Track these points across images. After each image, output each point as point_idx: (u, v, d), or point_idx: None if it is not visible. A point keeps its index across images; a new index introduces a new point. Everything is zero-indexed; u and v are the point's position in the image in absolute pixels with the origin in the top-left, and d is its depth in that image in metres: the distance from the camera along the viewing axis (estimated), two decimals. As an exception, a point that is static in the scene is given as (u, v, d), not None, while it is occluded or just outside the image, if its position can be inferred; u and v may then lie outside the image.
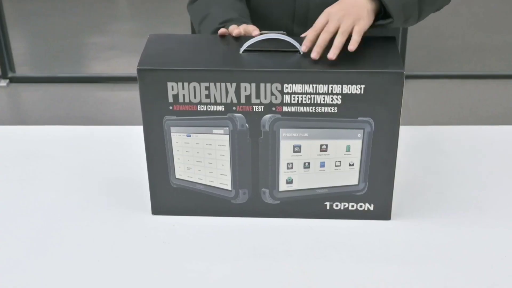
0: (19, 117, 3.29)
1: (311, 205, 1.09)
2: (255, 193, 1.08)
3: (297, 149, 1.04)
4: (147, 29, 4.06)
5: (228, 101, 1.00)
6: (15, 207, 1.15)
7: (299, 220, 1.09)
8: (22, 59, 3.76)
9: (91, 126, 1.45)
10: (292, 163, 1.05)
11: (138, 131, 1.30)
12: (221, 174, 1.07)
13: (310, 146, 1.04)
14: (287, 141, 1.03)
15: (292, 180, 1.07)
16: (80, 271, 0.99)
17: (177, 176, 1.08)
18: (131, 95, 3.30)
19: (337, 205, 1.09)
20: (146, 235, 1.07)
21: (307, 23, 1.25)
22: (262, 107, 1.01)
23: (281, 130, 1.02)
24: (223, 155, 1.05)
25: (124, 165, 1.27)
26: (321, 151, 1.04)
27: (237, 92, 1.00)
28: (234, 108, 1.01)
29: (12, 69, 3.62)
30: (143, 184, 1.13)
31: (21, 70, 3.64)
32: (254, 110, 1.01)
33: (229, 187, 1.08)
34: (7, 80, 3.55)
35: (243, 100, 1.00)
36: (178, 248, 1.03)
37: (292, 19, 1.28)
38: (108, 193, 1.18)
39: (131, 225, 1.09)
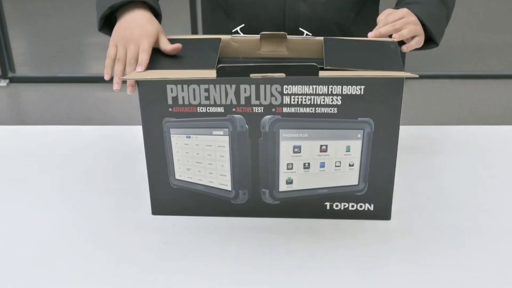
0: (19, 117, 3.29)
1: (311, 205, 1.09)
2: (255, 193, 1.08)
3: (297, 149, 1.04)
4: (147, 29, 4.05)
5: (228, 102, 1.00)
6: (14, 207, 1.15)
7: (299, 220, 1.09)
8: (22, 59, 3.76)
9: (91, 126, 1.45)
10: (292, 164, 1.05)
11: (138, 131, 1.30)
12: (221, 175, 1.07)
13: (310, 146, 1.04)
14: (287, 141, 1.03)
15: (292, 180, 1.07)
16: (80, 271, 0.99)
17: (177, 177, 1.08)
18: (131, 95, 3.31)
19: (337, 205, 1.09)
20: (146, 235, 1.07)
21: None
22: (262, 108, 1.01)
23: (281, 131, 1.02)
24: (223, 156, 1.05)
25: (124, 165, 1.27)
26: (321, 151, 1.04)
27: (237, 93, 1.00)
28: (233, 109, 1.01)
29: (12, 69, 3.62)
30: (143, 184, 1.13)
31: (21, 70, 3.65)
32: (254, 111, 1.01)
33: (229, 188, 1.08)
34: (7, 80, 3.56)
35: (242, 102, 1.00)
36: (178, 248, 1.03)
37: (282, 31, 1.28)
38: (108, 193, 1.18)
39: (131, 225, 1.09)
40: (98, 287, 0.96)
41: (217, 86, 0.99)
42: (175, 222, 1.10)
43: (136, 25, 1.07)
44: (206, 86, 0.99)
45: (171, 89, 1.00)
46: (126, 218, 1.11)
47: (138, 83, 1.01)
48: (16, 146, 1.36)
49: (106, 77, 1.06)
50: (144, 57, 1.04)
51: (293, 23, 1.26)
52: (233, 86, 0.99)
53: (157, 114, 1.02)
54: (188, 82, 0.99)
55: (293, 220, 1.10)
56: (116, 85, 1.04)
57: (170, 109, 1.02)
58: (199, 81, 0.99)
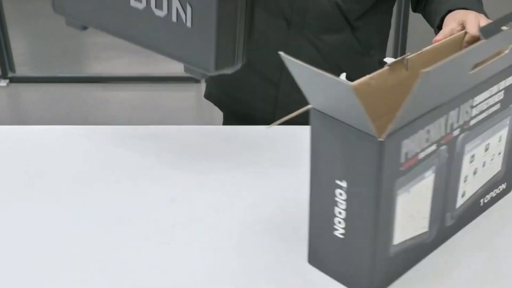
0: (19, 117, 3.30)
1: (472, 208, 1.04)
2: (441, 222, 0.99)
3: (471, 159, 0.98)
4: (147, 29, 4.05)
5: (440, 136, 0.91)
6: (14, 207, 1.15)
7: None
8: (22, 59, 3.76)
9: (91, 126, 1.45)
10: (467, 176, 0.99)
11: (138, 131, 1.30)
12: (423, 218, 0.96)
13: (479, 150, 0.99)
14: (467, 155, 0.97)
15: (464, 192, 1.00)
16: (79, 271, 0.99)
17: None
18: (131, 95, 3.31)
19: (487, 198, 1.06)
20: (146, 235, 1.07)
21: (306, 14, 1.24)
22: (459, 129, 0.93)
23: (465, 146, 0.95)
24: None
25: (123, 165, 1.27)
26: (485, 151, 1.00)
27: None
28: (442, 141, 0.91)
29: (12, 69, 3.62)
30: (143, 184, 1.13)
31: (21, 70, 3.64)
32: (453, 135, 0.93)
33: (426, 229, 0.97)
34: (7, 80, 3.56)
35: (448, 130, 0.91)
36: (178, 248, 1.03)
37: (281, 70, 1.27)
38: (108, 193, 1.18)
39: (131, 225, 1.09)
40: (98, 287, 0.96)
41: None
42: (175, 222, 1.10)
43: None
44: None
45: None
46: (126, 218, 1.11)
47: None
48: (16, 146, 1.36)
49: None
50: None
51: (300, 17, 1.26)
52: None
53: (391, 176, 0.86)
54: None
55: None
56: None
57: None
58: None
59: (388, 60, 0.97)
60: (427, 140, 0.86)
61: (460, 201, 1.00)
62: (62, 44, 3.99)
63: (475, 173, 1.01)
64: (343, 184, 0.85)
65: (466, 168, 0.98)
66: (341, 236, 0.89)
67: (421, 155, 0.87)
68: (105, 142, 1.37)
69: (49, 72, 3.64)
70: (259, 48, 1.23)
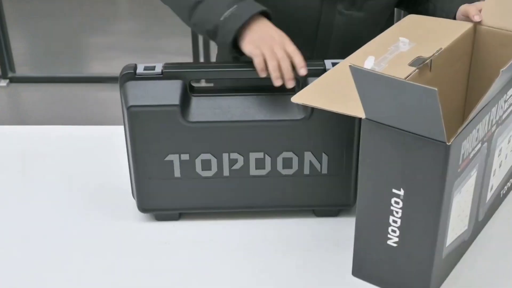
0: (19, 117, 3.29)
1: (495, 200, 1.08)
2: (475, 217, 1.02)
3: (499, 152, 1.01)
4: (147, 29, 4.06)
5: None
6: (14, 208, 1.15)
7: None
8: (22, 59, 3.75)
9: (91, 126, 1.45)
10: (495, 169, 1.02)
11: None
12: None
13: (505, 143, 1.02)
14: (497, 148, 1.00)
15: (492, 186, 1.04)
16: (79, 271, 0.99)
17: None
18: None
19: (504, 189, 1.10)
20: (146, 235, 1.07)
21: (327, 51, 1.25)
22: (495, 125, 0.94)
23: (498, 139, 0.97)
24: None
25: (124, 165, 1.27)
26: (508, 143, 1.03)
27: None
28: (485, 139, 0.93)
29: (12, 69, 3.61)
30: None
31: (21, 70, 3.64)
32: (492, 131, 0.94)
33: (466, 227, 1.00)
34: (7, 80, 3.55)
35: (489, 127, 0.92)
36: (178, 248, 1.03)
37: (312, 46, 1.27)
38: (109, 193, 1.18)
39: (131, 225, 1.09)
40: (99, 286, 0.96)
41: None
42: (175, 222, 1.10)
43: (270, 30, 1.05)
44: None
45: None
46: (127, 218, 1.11)
47: None
48: (16, 146, 1.36)
49: (264, 74, 1.02)
50: (300, 58, 1.02)
51: (325, 36, 1.25)
52: None
53: None
54: None
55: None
56: (291, 82, 1.01)
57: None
58: None
59: (369, 60, 0.96)
60: (476, 139, 0.87)
61: (489, 195, 1.02)
62: (62, 44, 3.99)
63: (500, 165, 1.02)
64: (400, 192, 0.85)
65: (496, 162, 0.99)
66: (394, 245, 0.89)
67: (471, 155, 0.87)
68: (105, 142, 1.37)
69: (49, 72, 3.63)
70: (292, 22, 1.23)
